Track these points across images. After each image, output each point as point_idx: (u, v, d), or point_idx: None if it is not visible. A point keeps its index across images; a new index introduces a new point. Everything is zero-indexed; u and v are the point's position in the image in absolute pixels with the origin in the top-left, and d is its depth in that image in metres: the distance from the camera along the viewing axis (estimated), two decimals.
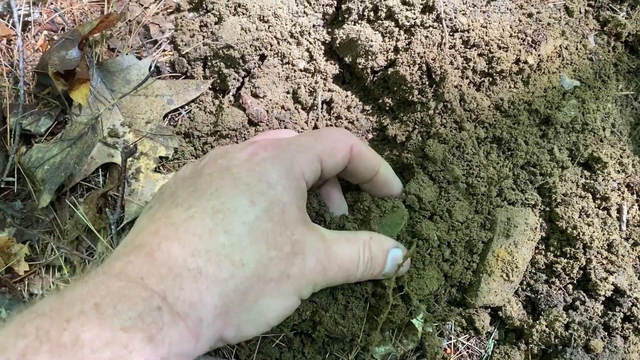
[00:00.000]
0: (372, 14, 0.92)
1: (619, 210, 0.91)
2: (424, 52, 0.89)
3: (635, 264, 0.92)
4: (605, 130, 0.96)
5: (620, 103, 1.06)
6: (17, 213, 0.91)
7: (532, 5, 0.97)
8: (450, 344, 0.89)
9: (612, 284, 0.84)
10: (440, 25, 0.90)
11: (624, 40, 1.04)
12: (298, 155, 0.56)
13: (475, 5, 0.92)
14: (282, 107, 0.95)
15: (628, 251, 0.89)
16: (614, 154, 0.95)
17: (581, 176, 0.92)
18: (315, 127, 0.97)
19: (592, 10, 1.05)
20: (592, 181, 0.91)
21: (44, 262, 0.91)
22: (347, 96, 0.97)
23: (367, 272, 0.63)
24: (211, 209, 0.48)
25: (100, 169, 0.95)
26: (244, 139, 0.94)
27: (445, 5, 0.90)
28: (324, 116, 0.96)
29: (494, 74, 0.91)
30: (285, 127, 0.94)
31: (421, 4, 0.90)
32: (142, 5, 1.06)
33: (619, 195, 0.92)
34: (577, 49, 0.99)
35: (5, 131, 0.95)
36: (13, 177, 0.92)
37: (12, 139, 0.94)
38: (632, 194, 0.93)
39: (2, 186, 0.91)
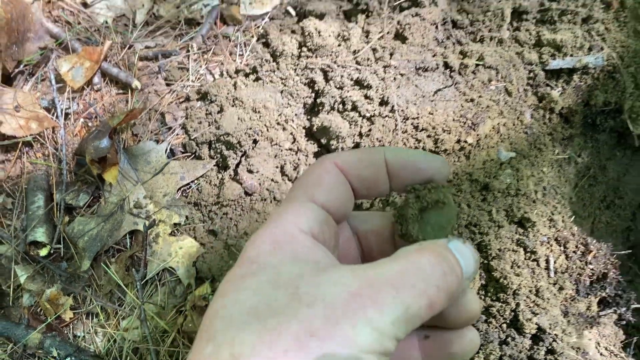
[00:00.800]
0: (340, 106, 1.14)
1: (547, 261, 1.11)
2: (382, 137, 1.11)
3: (565, 304, 1.12)
4: (538, 193, 1.16)
5: (559, 164, 1.26)
6: (63, 272, 1.15)
7: (474, 91, 1.18)
8: None
9: (535, 324, 1.04)
10: (394, 115, 1.11)
11: (558, 112, 1.24)
12: (281, 215, 0.44)
13: (424, 96, 1.14)
14: (272, 180, 1.18)
15: (555, 294, 1.09)
16: (545, 213, 1.15)
17: (515, 233, 1.12)
18: None
19: (531, 89, 1.26)
20: (523, 237, 1.11)
21: (84, 310, 1.15)
22: None
23: (452, 283, 0.41)
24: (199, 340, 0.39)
25: (127, 235, 1.18)
26: (241, 207, 1.17)
27: (399, 97, 1.12)
28: None
29: (440, 152, 1.12)
30: (275, 197, 1.17)
31: (379, 98, 1.12)
32: (159, 95, 1.30)
33: (548, 248, 1.12)
34: (514, 124, 1.20)
35: (52, 206, 1.19)
36: (59, 244, 1.16)
37: (58, 212, 1.18)
38: (560, 245, 1.13)
39: (52, 251, 1.15)
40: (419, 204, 0.47)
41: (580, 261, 1.14)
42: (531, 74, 1.26)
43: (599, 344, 1.35)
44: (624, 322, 1.32)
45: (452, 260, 0.42)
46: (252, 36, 1.33)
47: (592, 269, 1.14)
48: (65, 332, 1.15)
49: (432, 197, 0.47)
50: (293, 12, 1.34)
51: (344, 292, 0.37)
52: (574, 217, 1.21)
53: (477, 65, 1.22)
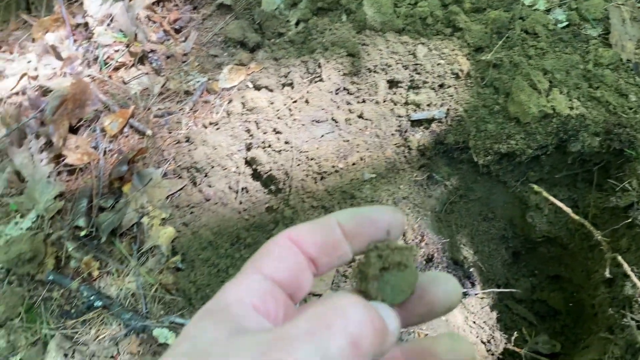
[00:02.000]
0: (263, 144, 1.81)
1: None
2: (285, 163, 1.76)
3: None
4: (389, 201, 1.74)
5: (419, 184, 1.85)
6: (94, 247, 1.88)
7: (351, 135, 1.81)
8: None
9: None
10: (292, 150, 1.76)
11: (415, 148, 1.83)
12: (224, 287, 0.42)
13: (314, 138, 1.78)
14: (222, 191, 1.85)
15: None
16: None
17: None
18: (240, 202, 1.85)
19: (398, 133, 1.86)
20: None
21: (105, 270, 1.86)
22: (256, 184, 1.86)
23: (376, 321, 0.38)
24: None
25: (135, 224, 1.89)
26: (202, 208, 1.84)
27: (297, 139, 1.77)
28: (243, 194, 1.85)
29: (322, 173, 1.75)
30: (223, 202, 1.84)
31: (285, 140, 1.78)
32: (163, 139, 2.03)
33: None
34: (377, 156, 1.80)
35: (91, 207, 1.93)
36: (92, 229, 1.89)
37: (95, 211, 1.92)
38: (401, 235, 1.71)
39: (87, 233, 1.88)
40: (381, 263, 0.45)
41: (417, 245, 1.71)
42: (400, 123, 1.86)
43: (467, 317, 1.91)
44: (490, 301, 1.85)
45: (374, 307, 0.40)
46: (225, 101, 2.05)
47: (424, 251, 1.70)
48: (94, 283, 1.86)
49: (394, 258, 0.45)
50: (251, 85, 2.04)
51: (254, 352, 0.33)
52: (422, 220, 1.78)
53: (358, 117, 1.85)
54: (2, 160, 2.11)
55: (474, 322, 1.92)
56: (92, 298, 1.78)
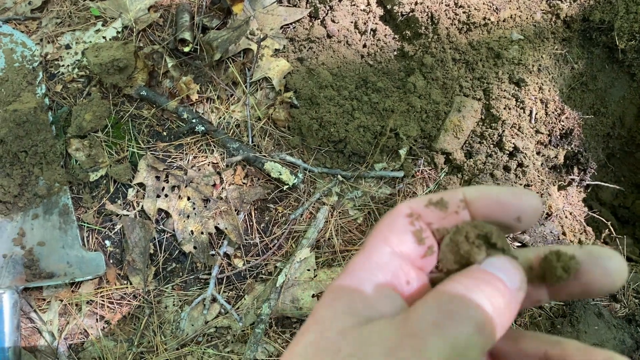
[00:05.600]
0: None
1: (531, 111, 1.57)
2: (431, 6, 1.58)
3: (538, 147, 1.58)
4: (534, 67, 1.61)
5: (556, 58, 1.71)
6: (196, 67, 1.68)
7: None
8: (419, 170, 1.58)
9: (513, 144, 1.51)
10: None
11: (562, 18, 1.68)
12: (352, 263, 0.43)
13: None
14: (347, 30, 1.67)
15: (532, 134, 1.55)
16: (537, 81, 1.60)
17: (512, 88, 1.58)
18: (364, 45, 1.67)
19: (545, 0, 1.70)
20: (517, 92, 1.57)
21: (205, 95, 1.67)
22: (385, 28, 1.68)
23: (497, 300, 0.37)
24: None
25: (242, 52, 1.69)
26: (322, 45, 1.66)
27: None
28: (370, 37, 1.67)
29: (470, 24, 1.58)
30: (347, 42, 1.65)
31: None
32: None
33: (533, 103, 1.57)
34: (526, 17, 1.64)
35: (193, 24, 1.71)
36: (196, 47, 1.68)
37: (197, 28, 1.70)
38: (543, 104, 1.59)
39: (191, 51, 1.67)
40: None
41: (556, 119, 1.60)
42: None
43: (564, 209, 1.82)
44: (586, 186, 1.77)
45: (490, 277, 0.38)
46: None
47: (562, 125, 1.60)
48: (191, 108, 1.67)
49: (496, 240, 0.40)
50: None
51: (384, 349, 0.34)
52: (558, 94, 1.66)
53: None
54: None
55: (570, 213, 1.87)
56: (194, 121, 1.60)
